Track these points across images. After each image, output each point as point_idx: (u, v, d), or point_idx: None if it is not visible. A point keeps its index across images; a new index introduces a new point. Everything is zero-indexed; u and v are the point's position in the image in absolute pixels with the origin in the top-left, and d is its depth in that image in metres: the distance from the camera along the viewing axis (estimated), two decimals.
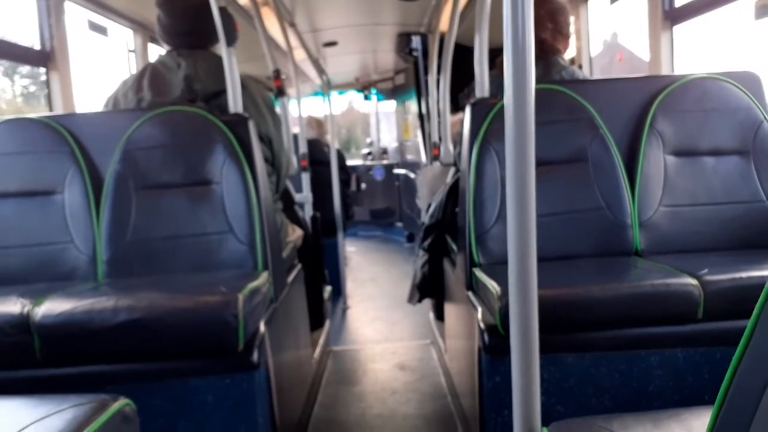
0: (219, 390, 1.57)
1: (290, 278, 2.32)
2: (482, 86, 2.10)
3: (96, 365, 1.55)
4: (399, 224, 8.29)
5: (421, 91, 5.78)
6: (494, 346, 1.59)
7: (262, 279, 1.76)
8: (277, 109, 2.57)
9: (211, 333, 1.53)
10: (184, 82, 2.10)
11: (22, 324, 1.49)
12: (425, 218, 2.80)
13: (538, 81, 0.97)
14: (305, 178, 3.89)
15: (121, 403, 1.00)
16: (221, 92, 2.07)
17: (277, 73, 3.26)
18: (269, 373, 1.69)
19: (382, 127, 9.84)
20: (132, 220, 1.91)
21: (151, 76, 2.15)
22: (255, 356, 1.59)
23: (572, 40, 2.37)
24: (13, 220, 1.94)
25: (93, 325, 1.48)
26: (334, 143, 4.93)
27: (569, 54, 3.36)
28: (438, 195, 2.70)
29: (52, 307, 1.51)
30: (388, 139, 9.71)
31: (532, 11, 0.93)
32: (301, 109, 4.38)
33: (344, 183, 5.32)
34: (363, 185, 7.10)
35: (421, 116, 6.13)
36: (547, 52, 2.22)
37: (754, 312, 0.55)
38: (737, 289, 1.52)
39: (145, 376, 1.56)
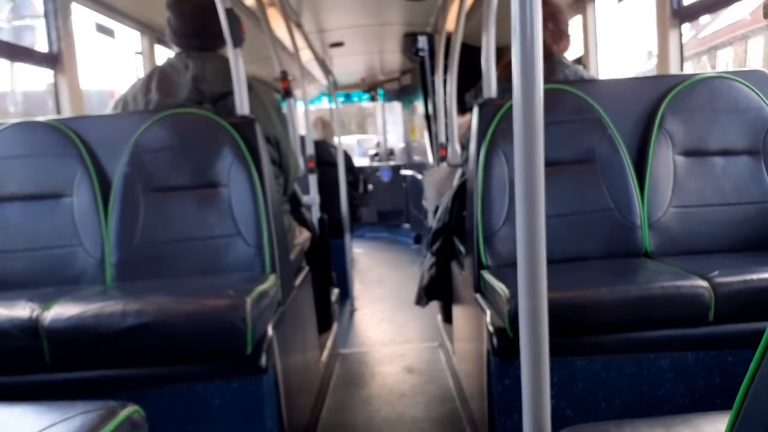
0: (227, 394, 1.57)
1: (298, 281, 2.31)
2: (489, 86, 2.09)
3: (104, 370, 1.55)
4: (406, 225, 8.28)
5: (427, 92, 5.77)
6: (503, 349, 1.58)
7: (270, 282, 1.76)
8: (284, 111, 2.57)
9: (219, 337, 1.52)
10: (192, 83, 2.10)
11: (31, 328, 1.49)
12: (433, 222, 2.79)
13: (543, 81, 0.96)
14: (312, 180, 3.88)
15: (130, 410, 1.00)
16: (228, 94, 2.07)
17: (284, 75, 3.26)
18: (277, 376, 1.69)
19: (386, 120, 9.81)
20: (140, 222, 1.91)
21: (159, 78, 2.15)
22: (263, 360, 1.58)
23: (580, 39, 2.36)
24: (21, 223, 1.94)
25: (101, 329, 1.48)
26: (341, 145, 4.93)
27: (577, 53, 3.35)
28: (445, 198, 2.69)
29: (61, 311, 1.51)
30: (394, 139, 9.70)
31: (540, 11, 0.92)
32: (308, 110, 4.38)
33: (351, 184, 5.31)
34: (370, 186, 7.10)
35: (427, 117, 6.12)
36: (547, 53, 2.22)
37: None
38: (749, 291, 1.50)
39: (153, 381, 1.55)
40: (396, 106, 9.35)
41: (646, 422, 0.91)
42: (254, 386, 1.59)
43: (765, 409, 0.52)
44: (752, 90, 1.99)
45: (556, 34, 2.21)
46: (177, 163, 1.96)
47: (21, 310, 1.52)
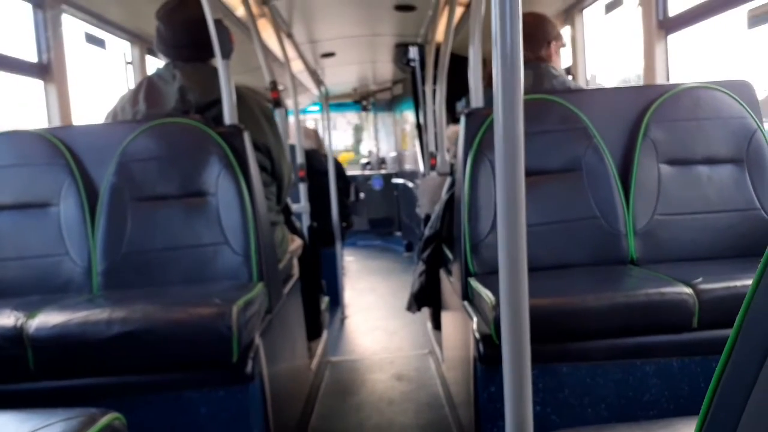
0: (213, 402, 1.57)
1: (286, 289, 2.31)
2: (476, 97, 2.11)
3: (90, 378, 1.54)
4: (398, 233, 8.29)
5: (418, 101, 5.80)
6: (489, 355, 1.59)
7: (257, 290, 1.76)
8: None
9: (205, 345, 1.52)
10: (178, 93, 2.10)
11: (16, 337, 1.49)
12: (426, 230, 2.80)
13: (529, 90, 0.97)
14: (302, 189, 3.89)
15: (110, 417, 1.00)
16: (215, 102, 2.07)
17: (273, 85, 3.27)
18: (264, 384, 1.68)
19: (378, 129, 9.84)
20: (127, 231, 1.91)
21: (147, 88, 2.16)
22: (249, 368, 1.58)
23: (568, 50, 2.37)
24: (8, 232, 1.94)
25: (87, 338, 1.48)
26: (331, 153, 4.94)
27: (564, 63, 3.38)
28: (437, 206, 2.70)
29: (46, 319, 1.50)
30: (385, 148, 9.72)
31: (520, 23, 0.94)
32: (298, 120, 4.39)
33: (343, 192, 5.32)
34: (362, 195, 7.11)
35: (419, 126, 6.15)
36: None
37: (737, 320, 0.55)
38: (732, 298, 1.52)
39: (139, 389, 1.55)
40: (387, 117, 9.38)
41: (628, 426, 0.92)
42: (241, 394, 1.59)
43: (731, 409, 0.53)
44: (735, 99, 2.02)
45: (528, 43, 2.22)
46: (164, 172, 1.96)
47: (5, 319, 1.51)
